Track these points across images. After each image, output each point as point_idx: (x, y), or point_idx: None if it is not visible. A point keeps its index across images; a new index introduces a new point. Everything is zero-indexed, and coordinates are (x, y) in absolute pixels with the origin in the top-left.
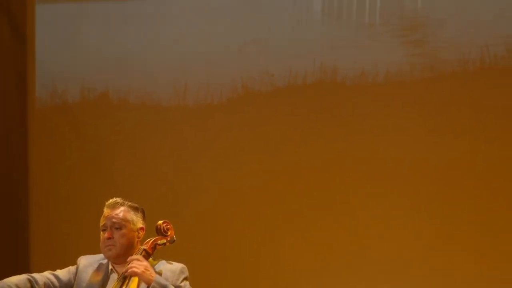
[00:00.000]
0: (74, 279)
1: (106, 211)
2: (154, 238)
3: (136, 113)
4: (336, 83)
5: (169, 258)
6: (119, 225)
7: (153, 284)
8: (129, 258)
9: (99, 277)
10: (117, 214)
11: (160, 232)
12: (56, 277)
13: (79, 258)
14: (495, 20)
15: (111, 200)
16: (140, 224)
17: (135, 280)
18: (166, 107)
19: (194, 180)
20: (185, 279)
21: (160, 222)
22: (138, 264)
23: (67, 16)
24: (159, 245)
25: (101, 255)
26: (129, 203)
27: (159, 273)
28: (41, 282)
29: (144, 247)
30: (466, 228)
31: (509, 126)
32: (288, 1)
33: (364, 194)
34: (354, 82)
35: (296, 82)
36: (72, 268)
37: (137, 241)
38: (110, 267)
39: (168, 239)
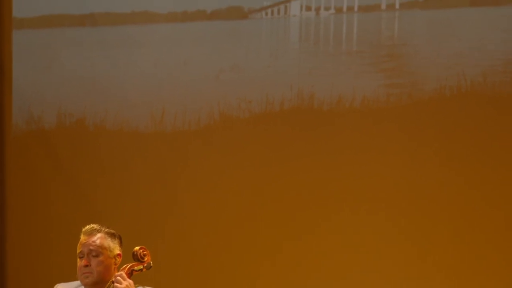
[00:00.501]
0: None
1: (83, 237)
2: (130, 264)
3: (113, 139)
4: (313, 109)
5: (147, 284)
6: (96, 252)
7: None
8: (113, 277)
9: None
10: (94, 241)
11: (137, 258)
12: None
13: (55, 286)
14: (472, 47)
15: (87, 227)
16: (117, 250)
17: None
18: (143, 133)
19: (172, 205)
20: None
21: (137, 248)
22: (121, 280)
23: (44, 42)
24: (136, 271)
25: (78, 282)
26: (106, 230)
27: None
28: None
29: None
30: (444, 248)
31: (487, 152)
32: (266, 28)
33: (342, 218)
34: (331, 108)
35: (273, 109)
36: None
37: (114, 268)
38: None
39: (145, 265)
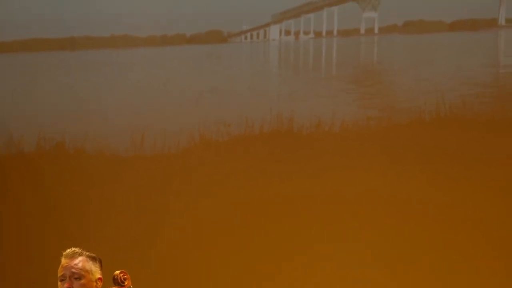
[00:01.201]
0: None
1: (64, 261)
2: None
3: (93, 163)
4: (293, 133)
5: None
6: (79, 275)
7: None
8: None
9: None
10: (76, 264)
11: (117, 282)
12: None
13: None
14: (451, 71)
15: (69, 250)
16: (98, 274)
17: None
18: (123, 157)
19: (152, 229)
20: None
21: (117, 272)
22: None
23: (24, 66)
24: None
25: None
26: (87, 253)
27: None
28: None
29: None
30: (426, 271)
31: (466, 176)
32: (245, 52)
33: (320, 239)
34: (311, 132)
35: (253, 132)
36: None
37: None
38: None
39: None
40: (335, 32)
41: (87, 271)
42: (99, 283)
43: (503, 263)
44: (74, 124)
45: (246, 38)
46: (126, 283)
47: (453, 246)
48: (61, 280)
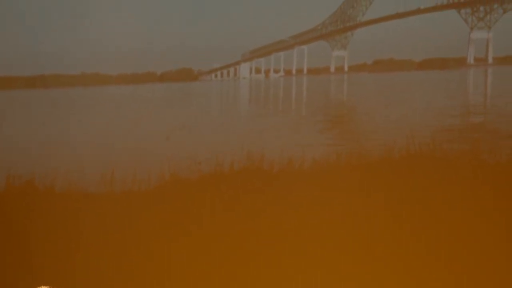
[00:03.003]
0: None
1: None
2: None
3: (63, 200)
4: (263, 170)
5: None
6: None
7: None
8: None
9: None
10: None
11: None
12: None
13: None
14: (420, 109)
15: None
16: None
17: None
18: (93, 194)
19: (122, 268)
20: None
21: None
22: None
23: None
24: None
25: None
26: None
27: None
28: None
29: None
30: None
31: (435, 212)
32: (216, 90)
33: (290, 273)
34: (281, 168)
35: (223, 169)
36: None
37: None
38: None
39: None
40: (305, 70)
41: None
42: None
43: None
44: (44, 161)
45: (216, 76)
46: None
47: (415, 275)
48: None
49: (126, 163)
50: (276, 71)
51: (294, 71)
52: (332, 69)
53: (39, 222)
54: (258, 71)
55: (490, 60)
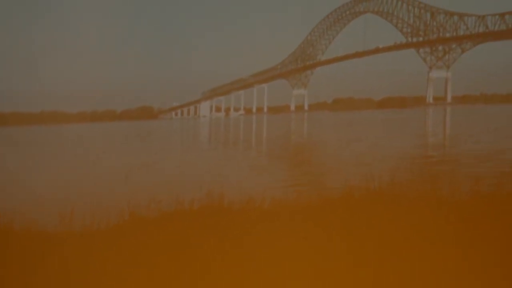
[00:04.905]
0: None
1: None
2: None
3: (21, 240)
4: (223, 209)
5: None
6: None
7: None
8: None
9: None
10: None
11: None
12: None
13: None
14: (380, 146)
15: None
16: None
17: None
18: (51, 234)
19: None
20: None
21: None
22: None
23: None
24: None
25: None
26: None
27: None
28: None
29: None
30: None
31: (395, 250)
32: (176, 128)
33: None
34: (241, 207)
35: (183, 208)
36: None
37: None
38: None
39: None
40: (265, 109)
41: None
42: None
43: None
44: (2, 200)
45: (176, 114)
46: None
47: None
48: None
49: (85, 202)
50: (236, 110)
51: (254, 110)
52: (292, 107)
53: None
54: (218, 109)
55: (449, 99)
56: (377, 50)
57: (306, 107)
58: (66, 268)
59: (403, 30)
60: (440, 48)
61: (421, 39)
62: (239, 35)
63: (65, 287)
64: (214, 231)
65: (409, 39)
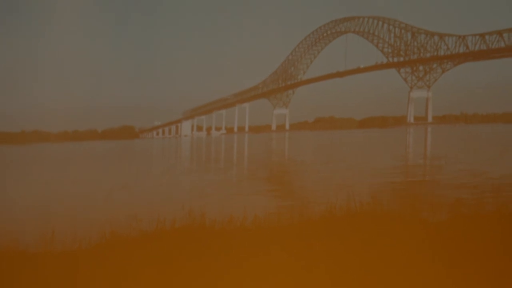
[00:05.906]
0: None
1: None
2: None
3: (2, 260)
4: (205, 228)
5: None
6: None
7: None
8: None
9: None
10: None
11: None
12: None
13: None
14: (361, 167)
15: None
16: None
17: None
18: (32, 254)
19: None
20: None
21: None
22: None
23: None
24: None
25: None
26: None
27: None
28: None
29: None
30: None
31: (375, 270)
32: (157, 147)
33: None
34: (223, 226)
35: (165, 227)
36: None
37: None
38: None
39: None
40: (247, 128)
41: None
42: None
43: None
44: None
45: (158, 133)
46: None
47: None
48: None
49: (66, 222)
50: (217, 129)
51: (235, 129)
52: (274, 127)
53: None
54: (199, 128)
55: (430, 118)
56: (358, 70)
57: (287, 127)
58: (45, 287)
59: (384, 50)
60: (421, 68)
61: (402, 59)
62: (221, 54)
63: None
64: (195, 250)
65: (390, 59)
